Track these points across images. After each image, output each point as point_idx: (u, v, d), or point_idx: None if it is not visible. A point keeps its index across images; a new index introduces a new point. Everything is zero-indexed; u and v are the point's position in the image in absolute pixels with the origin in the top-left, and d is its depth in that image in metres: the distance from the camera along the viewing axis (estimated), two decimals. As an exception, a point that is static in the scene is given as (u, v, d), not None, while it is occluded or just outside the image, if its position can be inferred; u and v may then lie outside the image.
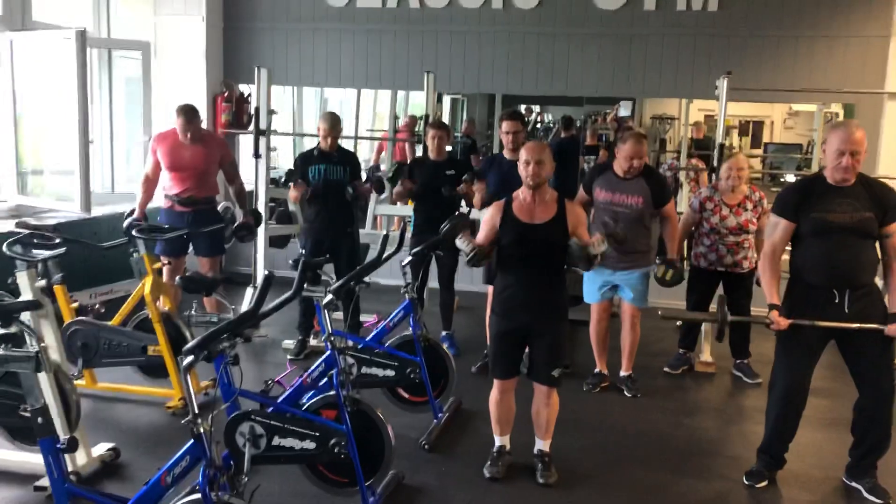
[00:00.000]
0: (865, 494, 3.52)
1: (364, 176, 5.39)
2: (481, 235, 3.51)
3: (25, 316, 3.29)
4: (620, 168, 4.52)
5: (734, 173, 4.78)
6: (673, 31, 6.78)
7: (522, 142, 4.83)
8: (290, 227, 6.58)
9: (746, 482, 3.64)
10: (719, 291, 4.85)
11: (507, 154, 4.88)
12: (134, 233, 4.38)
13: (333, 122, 5.14)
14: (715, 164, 5.40)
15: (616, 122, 9.52)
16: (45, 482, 2.85)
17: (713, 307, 3.75)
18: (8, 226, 4.89)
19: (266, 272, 2.50)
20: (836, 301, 3.35)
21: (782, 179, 9.12)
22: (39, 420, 2.34)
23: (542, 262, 3.45)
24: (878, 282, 3.49)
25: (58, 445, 2.36)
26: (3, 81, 5.69)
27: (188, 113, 5.01)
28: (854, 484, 3.59)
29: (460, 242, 3.42)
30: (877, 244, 3.40)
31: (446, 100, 9.83)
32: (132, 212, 5.15)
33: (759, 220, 4.80)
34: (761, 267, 3.50)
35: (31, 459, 3.32)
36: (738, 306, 4.69)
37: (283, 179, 5.32)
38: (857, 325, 3.32)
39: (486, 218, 3.55)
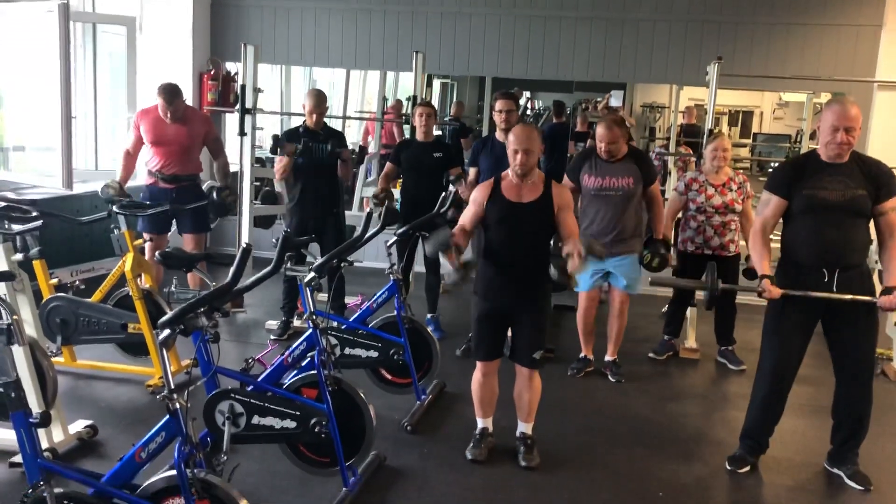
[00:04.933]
0: (846, 480, 3.52)
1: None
2: (468, 214, 3.46)
3: (0, 288, 3.25)
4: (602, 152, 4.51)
5: (719, 154, 4.87)
6: (664, 17, 6.76)
7: (515, 121, 4.80)
8: (276, 207, 6.50)
9: (729, 467, 3.63)
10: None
11: (498, 135, 4.84)
12: (115, 209, 4.31)
13: (319, 99, 5.01)
14: (702, 150, 5.39)
15: (606, 112, 9.51)
16: (20, 458, 2.80)
17: (704, 277, 3.70)
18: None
19: (244, 245, 2.45)
20: (826, 280, 3.30)
21: (769, 169, 9.12)
22: (11, 394, 2.29)
23: (526, 242, 3.41)
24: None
25: (30, 420, 2.32)
26: (-15, 54, 5.59)
27: (169, 93, 4.92)
28: (835, 470, 3.59)
29: (444, 261, 3.27)
30: (870, 224, 3.35)
31: (436, 83, 9.76)
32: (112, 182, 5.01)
33: (744, 202, 4.86)
34: (751, 243, 3.45)
35: (8, 436, 3.26)
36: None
37: (269, 147, 5.19)
38: (850, 296, 3.27)
39: (475, 196, 3.49)
